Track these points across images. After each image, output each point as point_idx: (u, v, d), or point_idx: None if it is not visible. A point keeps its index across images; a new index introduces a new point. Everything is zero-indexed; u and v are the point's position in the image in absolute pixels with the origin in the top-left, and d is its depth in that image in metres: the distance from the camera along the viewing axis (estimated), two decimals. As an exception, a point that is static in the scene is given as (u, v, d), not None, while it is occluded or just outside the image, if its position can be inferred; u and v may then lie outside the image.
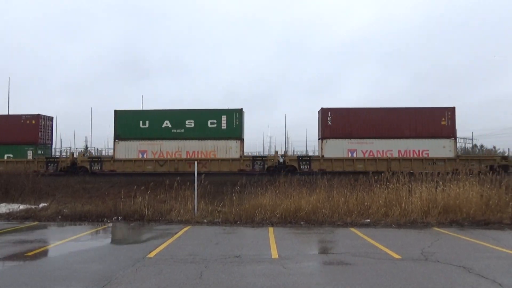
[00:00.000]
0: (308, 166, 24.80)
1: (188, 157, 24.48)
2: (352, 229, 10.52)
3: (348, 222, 11.30)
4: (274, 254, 7.69)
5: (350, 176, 14.94)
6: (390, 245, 8.38)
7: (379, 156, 24.72)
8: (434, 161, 24.43)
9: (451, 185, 12.51)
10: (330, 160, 24.72)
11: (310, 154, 33.01)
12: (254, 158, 25.61)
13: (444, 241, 8.98)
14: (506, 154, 28.90)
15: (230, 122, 24.89)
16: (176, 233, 9.97)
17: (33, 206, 14.23)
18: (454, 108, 25.09)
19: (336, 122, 25.17)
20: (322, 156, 24.91)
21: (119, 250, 8.44)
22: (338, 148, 24.89)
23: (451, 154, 24.78)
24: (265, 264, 6.94)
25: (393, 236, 9.70)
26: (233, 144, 24.71)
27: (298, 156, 26.44)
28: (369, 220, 11.45)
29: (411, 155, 24.81)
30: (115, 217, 12.29)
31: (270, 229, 10.53)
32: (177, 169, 23.99)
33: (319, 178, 13.90)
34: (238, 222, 11.60)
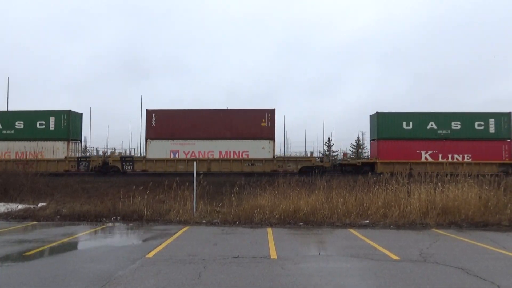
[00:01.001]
0: (131, 167, 25.76)
1: (18, 157, 26.00)
2: (351, 230, 10.52)
3: (347, 223, 11.31)
4: (273, 254, 7.70)
5: (349, 177, 14.95)
6: (388, 246, 8.39)
7: (200, 157, 25.49)
8: (252, 162, 25.41)
9: (450, 187, 12.52)
10: (153, 161, 25.59)
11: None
12: (79, 159, 26.65)
13: (442, 243, 8.99)
14: (316, 155, 29.30)
15: (58, 124, 26.65)
16: (175, 234, 9.97)
17: (31, 206, 14.21)
18: (274, 110, 26.18)
19: (160, 123, 26.11)
20: (145, 157, 25.90)
21: (118, 250, 8.43)
22: (162, 149, 25.79)
23: (269, 155, 25.64)
24: (264, 264, 6.94)
25: (392, 237, 9.71)
26: (60, 145, 26.44)
27: (121, 157, 26.90)
28: (368, 221, 11.46)
29: (231, 156, 25.69)
30: (114, 217, 12.28)
31: (269, 230, 10.53)
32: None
33: (318, 179, 13.91)
34: (237, 222, 11.60)
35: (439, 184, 12.69)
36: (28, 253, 7.95)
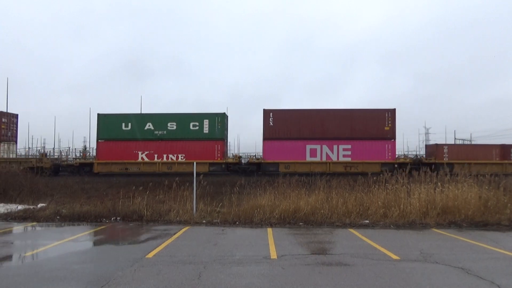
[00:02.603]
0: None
1: None
2: (351, 230, 10.52)
3: (347, 223, 11.31)
4: (273, 254, 7.69)
5: (349, 177, 14.95)
6: (388, 246, 8.39)
7: None
8: None
9: (450, 187, 12.52)
10: None
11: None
12: None
13: (442, 242, 8.99)
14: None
15: None
16: (175, 234, 9.96)
17: (31, 207, 14.19)
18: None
19: None
20: None
21: (118, 250, 8.43)
22: None
23: None
24: (264, 264, 6.94)
25: (392, 237, 9.71)
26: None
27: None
28: (368, 221, 11.45)
29: None
30: (114, 218, 12.27)
31: (269, 230, 10.52)
32: None
33: (317, 179, 13.90)
34: (237, 222, 11.60)
35: (439, 184, 12.68)
36: (28, 254, 7.94)
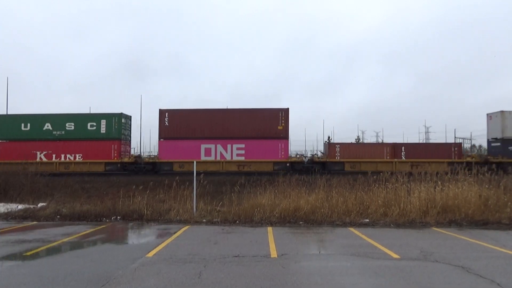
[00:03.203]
0: None
1: None
2: (351, 229, 10.52)
3: (347, 221, 11.31)
4: (273, 253, 7.69)
5: (349, 176, 14.96)
6: (389, 245, 8.39)
7: None
8: None
9: (450, 185, 12.52)
10: None
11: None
12: None
13: (442, 241, 8.99)
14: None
15: None
16: (175, 233, 9.97)
17: (31, 206, 14.20)
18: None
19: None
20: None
21: (118, 250, 8.43)
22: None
23: None
24: (264, 263, 6.94)
25: (392, 236, 9.71)
26: None
27: None
28: (368, 220, 11.46)
29: None
30: (114, 217, 12.27)
31: (269, 229, 10.52)
32: None
33: (318, 178, 13.90)
34: (237, 221, 11.60)
35: (439, 182, 12.68)
36: (28, 253, 7.95)
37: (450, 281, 5.90)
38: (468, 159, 27.37)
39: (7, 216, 12.78)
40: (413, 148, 28.52)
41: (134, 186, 14.28)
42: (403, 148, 28.08)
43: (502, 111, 27.63)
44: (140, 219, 12.04)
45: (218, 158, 26.72)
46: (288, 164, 25.85)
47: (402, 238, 9.53)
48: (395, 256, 7.49)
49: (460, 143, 28.98)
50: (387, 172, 13.43)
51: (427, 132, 69.52)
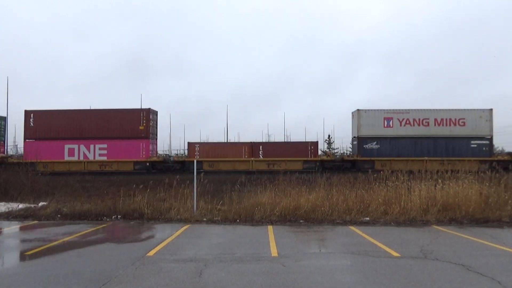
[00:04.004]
0: None
1: None
2: (351, 227, 10.53)
3: (347, 220, 11.31)
4: (274, 252, 7.70)
5: (349, 174, 14.99)
6: (389, 243, 8.39)
7: None
8: None
9: (450, 183, 12.51)
10: None
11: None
12: None
13: (443, 239, 9.00)
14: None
15: None
16: (175, 232, 9.98)
17: (32, 205, 14.21)
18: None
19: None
20: None
21: (119, 248, 8.44)
22: None
23: None
24: (265, 262, 6.95)
25: (392, 234, 9.71)
26: None
27: None
28: (368, 218, 11.46)
29: None
30: (115, 216, 12.28)
31: (270, 228, 10.53)
32: None
33: (318, 176, 13.91)
34: (238, 220, 11.61)
35: (440, 180, 12.68)
36: (29, 253, 7.96)
37: (450, 279, 5.90)
38: (324, 157, 28.33)
39: (8, 216, 12.78)
40: (271, 147, 29.21)
41: (134, 185, 14.28)
42: (261, 147, 28.72)
43: (358, 110, 27.86)
44: (140, 218, 12.05)
45: (82, 158, 27.48)
46: (148, 164, 27.33)
47: (402, 236, 9.53)
48: (395, 254, 7.50)
49: (317, 142, 29.70)
50: (387, 171, 13.40)
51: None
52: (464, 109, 27.85)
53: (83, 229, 10.71)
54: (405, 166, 24.67)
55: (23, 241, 9.19)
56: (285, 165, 27.14)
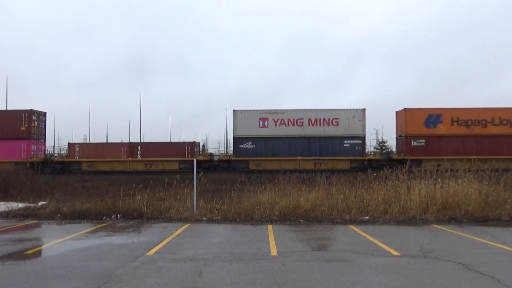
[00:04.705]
0: None
1: None
2: (351, 226, 10.53)
3: (347, 219, 11.32)
4: (273, 251, 7.71)
5: (349, 174, 15.00)
6: (389, 242, 8.40)
7: None
8: None
9: (450, 182, 12.52)
10: None
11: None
12: None
13: (443, 238, 9.00)
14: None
15: None
16: (175, 231, 9.98)
17: (32, 205, 14.21)
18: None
19: None
20: None
21: (118, 248, 8.44)
22: None
23: None
24: (264, 261, 6.95)
25: (392, 233, 9.72)
26: None
27: None
28: (368, 217, 11.47)
29: None
30: (114, 215, 12.29)
31: (269, 227, 10.54)
32: None
33: (318, 175, 13.92)
34: (237, 219, 11.61)
35: (439, 179, 12.68)
36: (29, 252, 7.96)
37: (450, 278, 5.91)
38: (200, 157, 28.95)
39: (7, 215, 12.79)
40: (149, 147, 29.74)
41: (134, 185, 14.28)
42: (139, 147, 29.23)
43: (234, 110, 28.30)
44: (140, 217, 12.05)
45: None
46: (28, 164, 26.96)
47: (402, 235, 9.54)
48: (395, 253, 7.50)
49: (193, 142, 30.55)
50: (387, 169, 13.42)
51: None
52: (338, 109, 28.25)
53: (83, 228, 10.71)
54: (279, 165, 26.07)
55: (23, 240, 9.19)
56: (162, 165, 27.94)
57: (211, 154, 31.98)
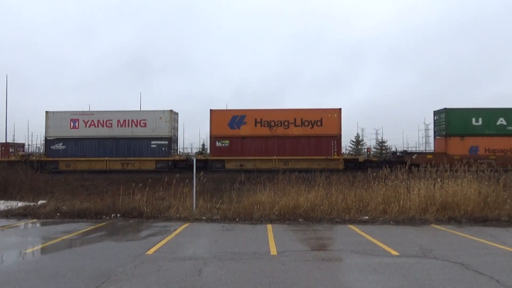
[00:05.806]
0: None
1: None
2: (351, 226, 10.54)
3: (346, 219, 11.32)
4: (273, 251, 7.71)
5: (348, 173, 15.01)
6: (388, 242, 8.41)
7: None
8: None
9: (449, 182, 12.53)
10: None
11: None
12: None
13: (442, 238, 9.01)
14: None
15: None
16: (174, 230, 9.98)
17: (31, 204, 14.20)
18: None
19: None
20: None
21: (118, 247, 8.44)
22: None
23: None
24: (264, 261, 6.95)
25: (392, 233, 9.73)
26: None
27: None
28: (367, 217, 11.47)
29: None
30: (114, 214, 12.28)
31: (269, 226, 10.54)
32: None
33: (317, 175, 13.93)
34: (237, 219, 11.61)
35: (439, 180, 12.69)
36: (28, 250, 7.96)
37: (449, 277, 5.92)
38: (13, 158, 29.43)
39: (7, 214, 12.78)
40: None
41: (133, 184, 14.27)
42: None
43: (46, 111, 28.54)
44: (140, 216, 12.05)
45: None
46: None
47: (401, 235, 9.55)
48: (394, 253, 7.51)
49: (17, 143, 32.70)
50: (387, 169, 13.43)
51: (426, 129, 69.64)
52: (145, 111, 28.97)
53: (83, 227, 10.71)
54: (88, 166, 27.54)
55: (23, 239, 9.19)
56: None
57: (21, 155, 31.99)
